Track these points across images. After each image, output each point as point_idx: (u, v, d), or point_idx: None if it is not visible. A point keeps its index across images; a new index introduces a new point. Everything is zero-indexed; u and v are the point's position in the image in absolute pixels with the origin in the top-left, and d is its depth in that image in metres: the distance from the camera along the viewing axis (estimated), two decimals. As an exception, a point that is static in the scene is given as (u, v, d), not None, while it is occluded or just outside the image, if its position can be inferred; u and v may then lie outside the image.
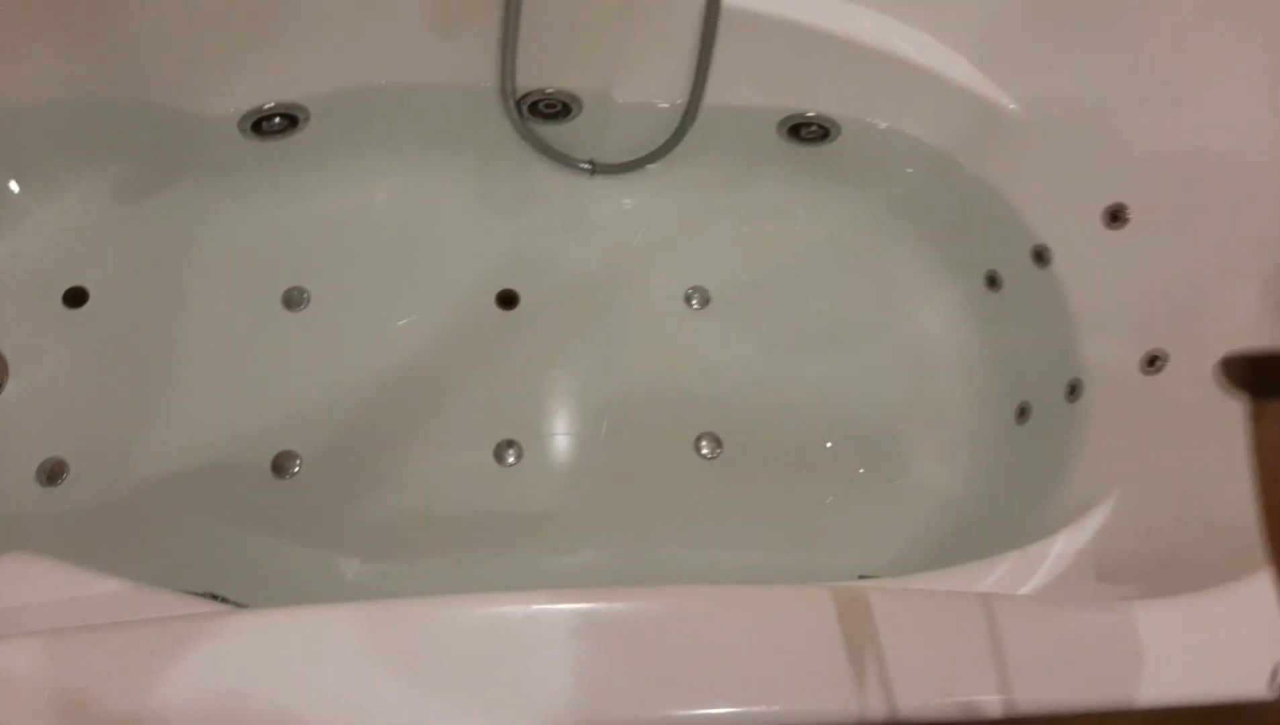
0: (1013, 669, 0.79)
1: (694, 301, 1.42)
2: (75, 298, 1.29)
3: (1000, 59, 1.31)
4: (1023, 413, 1.31)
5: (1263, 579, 0.86)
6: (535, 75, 1.34)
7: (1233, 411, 1.06)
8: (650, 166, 1.43)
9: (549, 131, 1.41)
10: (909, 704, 0.76)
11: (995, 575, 0.99)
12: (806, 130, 1.42)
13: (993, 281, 1.39)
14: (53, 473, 1.21)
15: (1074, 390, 1.25)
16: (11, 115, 1.22)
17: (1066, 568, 1.02)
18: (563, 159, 1.42)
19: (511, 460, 1.29)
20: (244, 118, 1.30)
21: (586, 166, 1.43)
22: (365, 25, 1.25)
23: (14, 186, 1.28)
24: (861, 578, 1.16)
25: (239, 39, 1.23)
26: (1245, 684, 0.82)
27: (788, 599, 0.80)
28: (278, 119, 1.32)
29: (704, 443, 1.32)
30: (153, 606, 0.76)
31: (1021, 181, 1.35)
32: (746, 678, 0.75)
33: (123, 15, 1.19)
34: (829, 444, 1.35)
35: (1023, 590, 0.98)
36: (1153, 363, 1.18)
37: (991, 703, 0.77)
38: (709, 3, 1.22)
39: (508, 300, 1.39)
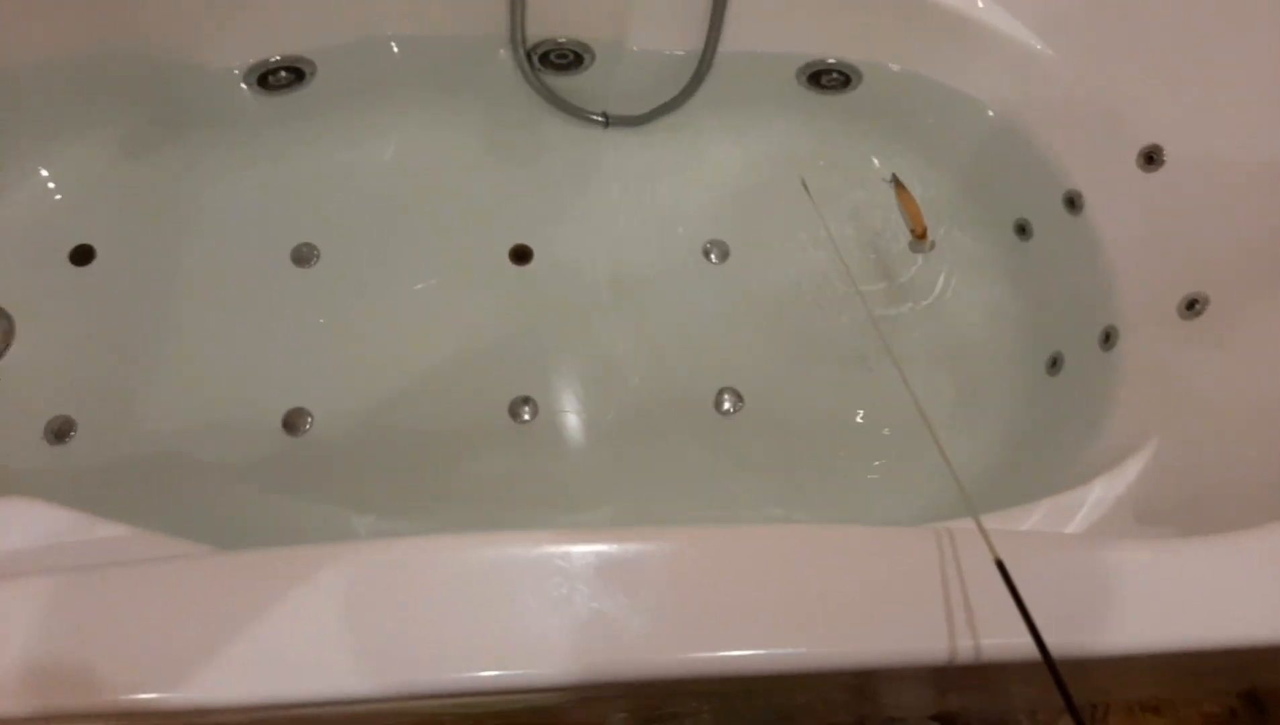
0: (1047, 609, 0.74)
1: (713, 255, 1.38)
2: (82, 256, 1.27)
3: (1035, 4, 1.26)
4: (1055, 363, 1.26)
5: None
6: (546, 24, 1.31)
7: (1275, 349, 1.01)
8: (665, 118, 1.39)
9: (560, 83, 1.37)
10: (927, 647, 0.72)
11: (1032, 520, 0.95)
12: (827, 77, 1.38)
13: (1022, 230, 1.35)
14: (60, 431, 1.19)
15: (1109, 338, 1.20)
16: (12, 73, 1.20)
17: (1105, 513, 0.97)
18: (575, 111, 1.38)
19: (527, 417, 1.26)
20: (249, 71, 1.27)
21: (599, 119, 1.39)
22: (371, -28, 1.22)
23: (18, 145, 1.25)
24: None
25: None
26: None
27: (809, 538, 0.76)
28: (283, 72, 1.29)
29: (725, 398, 1.29)
30: (152, 549, 0.73)
31: (1052, 126, 1.30)
32: (769, 620, 0.71)
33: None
34: (854, 393, 1.30)
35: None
36: (1192, 307, 1.13)
37: (1021, 645, 0.73)
38: (724, -61, 1.18)
39: (521, 255, 1.36)
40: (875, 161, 1.43)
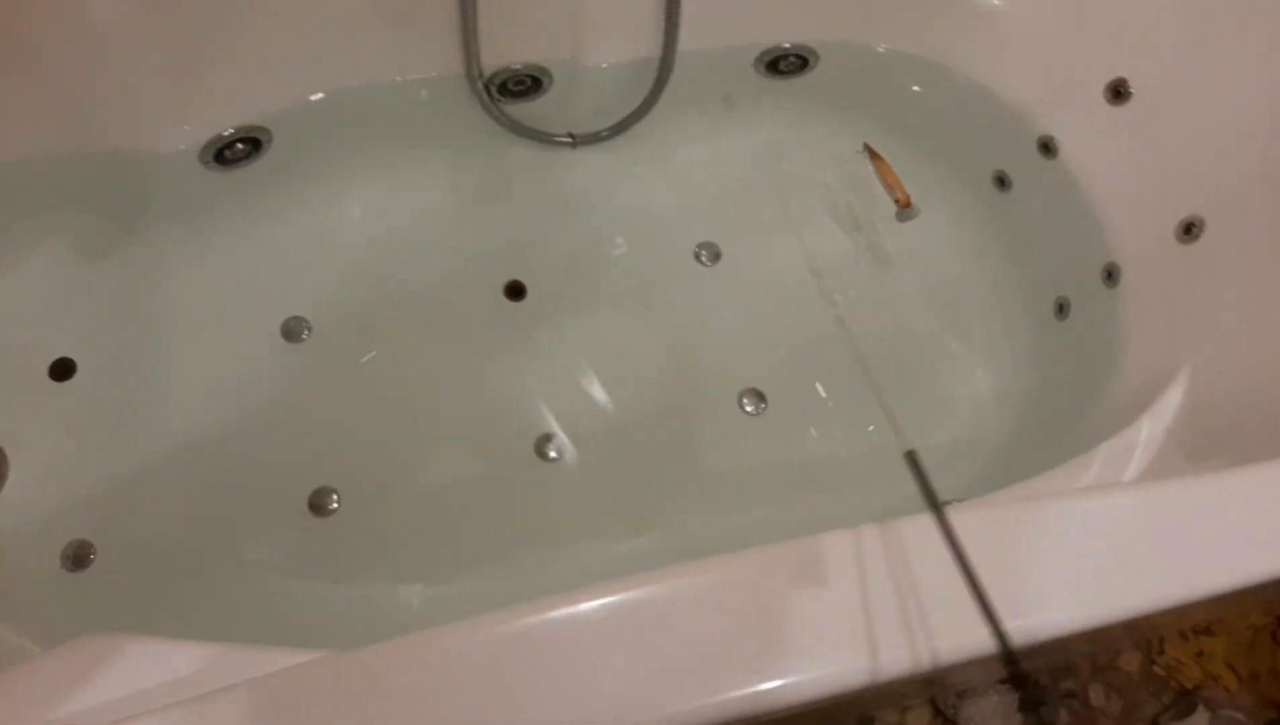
0: (1121, 565, 0.74)
1: (704, 257, 1.37)
2: (62, 370, 1.21)
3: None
4: (1062, 308, 1.28)
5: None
6: (499, 53, 1.28)
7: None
8: (632, 128, 1.37)
9: (522, 110, 1.35)
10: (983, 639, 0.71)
11: (1092, 471, 0.95)
12: (785, 62, 1.37)
13: (1002, 182, 1.36)
14: (77, 557, 1.13)
15: (1111, 275, 1.22)
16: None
17: (1158, 451, 0.99)
18: (541, 136, 1.36)
19: (554, 454, 1.23)
20: (204, 149, 1.22)
21: (567, 140, 1.37)
22: (313, 29, 1.18)
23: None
24: (945, 503, 1.12)
25: (183, 66, 1.15)
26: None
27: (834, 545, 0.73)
28: (239, 145, 1.24)
29: (746, 400, 1.28)
30: (249, 665, 0.69)
31: (1015, 77, 1.32)
32: (804, 641, 0.69)
33: (54, 65, 1.10)
34: (870, 376, 1.30)
35: (1124, 479, 0.95)
36: (1189, 231, 1.15)
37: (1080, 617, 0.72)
38: (675, -58, 1.16)
39: (516, 291, 1.33)
40: (844, 136, 1.43)
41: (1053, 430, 1.19)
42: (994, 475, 1.19)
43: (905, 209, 1.36)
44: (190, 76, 1.14)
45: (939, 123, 1.39)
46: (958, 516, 0.76)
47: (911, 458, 0.72)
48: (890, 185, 1.37)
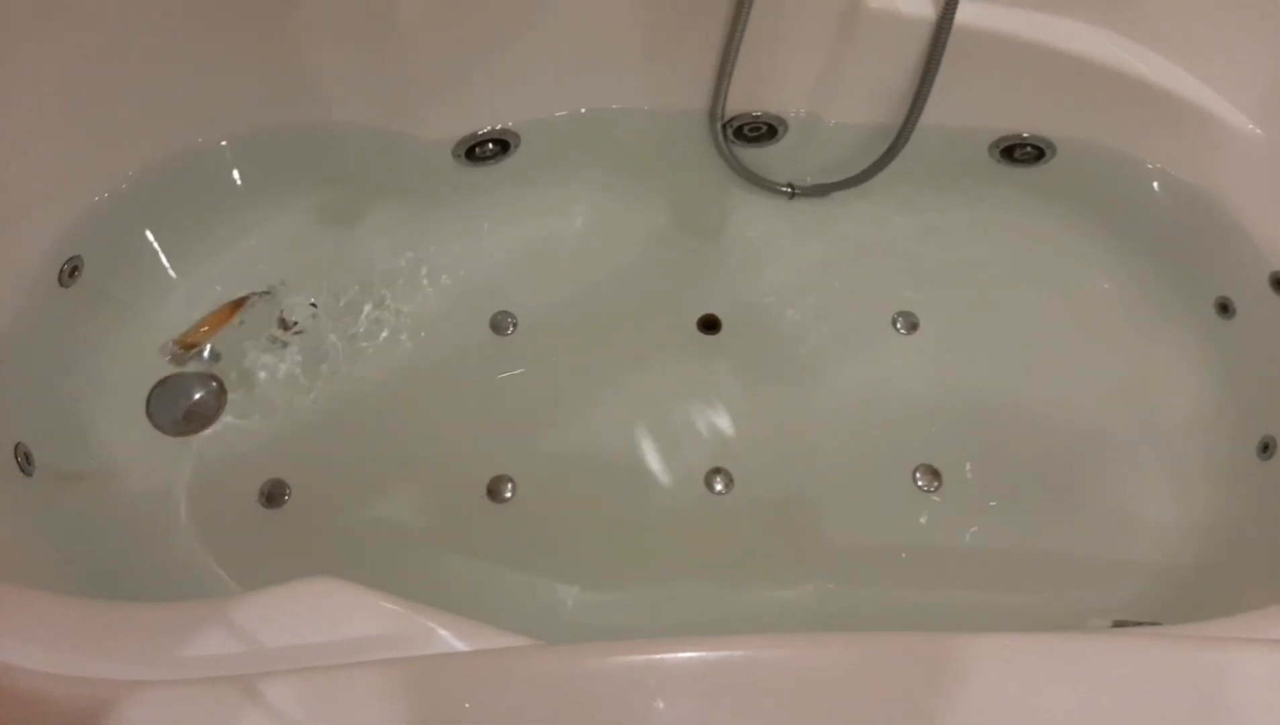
0: None
1: (899, 325, 1.38)
2: (287, 324, 1.31)
3: (1240, 81, 1.24)
4: (1266, 448, 1.24)
5: None
6: (745, 98, 1.33)
7: None
8: (851, 189, 1.40)
9: (750, 155, 1.39)
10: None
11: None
12: (1021, 151, 1.37)
13: (1224, 308, 1.32)
14: (273, 494, 1.22)
15: (1326, 424, 1.17)
16: (244, 137, 1.25)
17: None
18: (763, 182, 1.40)
19: (720, 488, 1.26)
20: (459, 143, 1.31)
21: (786, 190, 1.40)
22: (584, 50, 1.25)
23: (245, 193, 1.31)
24: (1117, 624, 1.10)
25: (463, 65, 1.24)
26: None
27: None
28: (490, 144, 1.32)
29: (920, 476, 1.28)
30: (475, 638, 0.74)
31: (1257, 204, 1.28)
32: None
33: (344, 45, 1.21)
34: (1052, 478, 1.29)
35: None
36: None
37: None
38: (942, 19, 1.18)
39: (710, 325, 1.37)
40: (1071, 231, 1.41)
41: (1237, 572, 1.15)
42: (1163, 604, 1.15)
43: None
44: (466, 76, 1.23)
45: (1167, 238, 1.36)
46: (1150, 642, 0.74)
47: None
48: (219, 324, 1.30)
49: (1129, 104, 1.28)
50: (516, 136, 1.32)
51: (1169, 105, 1.27)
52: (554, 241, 1.38)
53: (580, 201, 1.41)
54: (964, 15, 1.18)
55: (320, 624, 0.75)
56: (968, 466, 1.28)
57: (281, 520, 1.21)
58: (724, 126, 1.34)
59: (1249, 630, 0.88)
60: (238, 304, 1.30)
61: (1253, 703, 0.71)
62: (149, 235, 1.28)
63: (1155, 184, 1.34)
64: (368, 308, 1.33)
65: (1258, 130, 1.26)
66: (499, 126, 1.30)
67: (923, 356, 1.36)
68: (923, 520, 1.26)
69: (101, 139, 1.19)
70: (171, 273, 1.30)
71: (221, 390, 1.29)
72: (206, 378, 1.30)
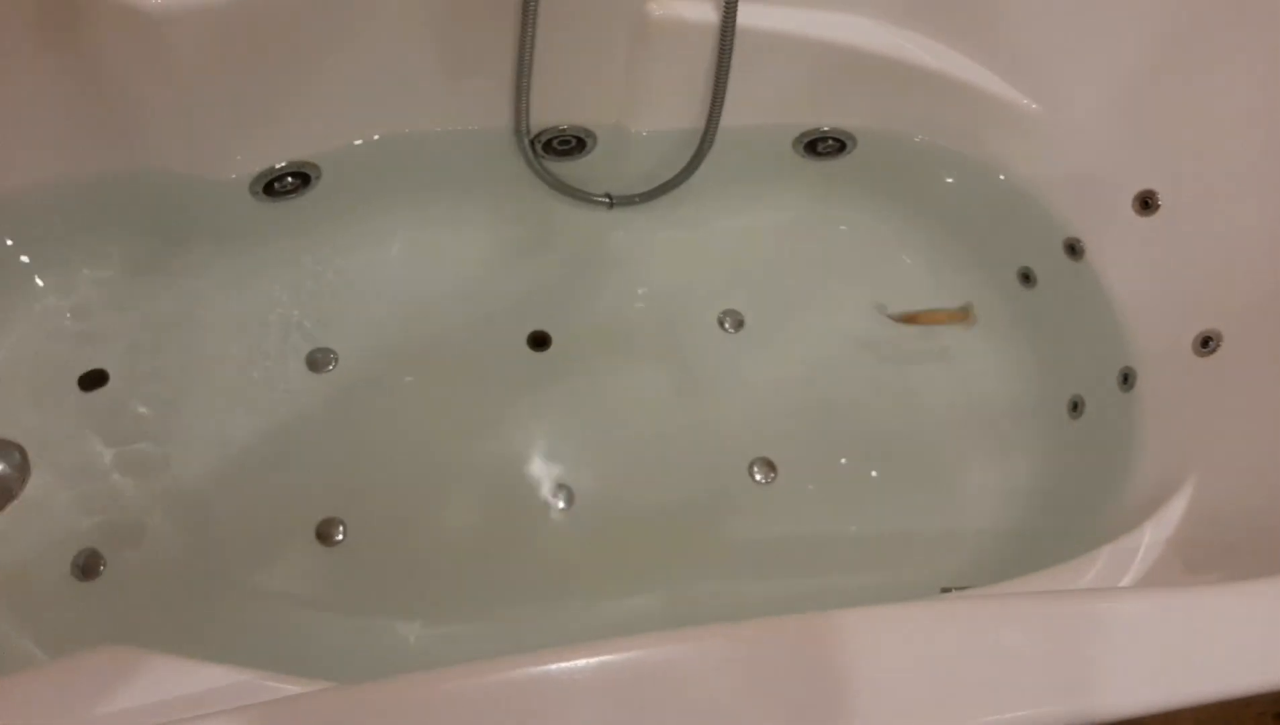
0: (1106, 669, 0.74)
1: (727, 324, 1.40)
2: (93, 380, 1.24)
3: (1017, 60, 1.31)
4: (1075, 407, 1.29)
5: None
6: (548, 113, 1.32)
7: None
8: (669, 194, 1.41)
9: (564, 168, 1.39)
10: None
11: (1092, 572, 0.96)
12: (823, 144, 1.41)
13: (1026, 278, 1.38)
14: (87, 566, 1.15)
15: (1127, 379, 1.23)
16: (16, 198, 1.18)
17: (1157, 559, 0.99)
18: (580, 195, 1.40)
19: (562, 504, 1.25)
20: (255, 180, 1.26)
21: (604, 200, 1.40)
22: (377, 76, 1.23)
23: (24, 262, 1.23)
24: (944, 590, 1.13)
25: (248, 99, 1.19)
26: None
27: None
28: (289, 178, 1.28)
29: (757, 469, 1.29)
30: (257, 691, 0.71)
31: (1047, 177, 1.35)
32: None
33: (123, 88, 1.16)
34: (880, 458, 1.32)
35: (1122, 584, 0.95)
36: (1206, 344, 1.17)
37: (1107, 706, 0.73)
38: (724, 23, 1.21)
39: (539, 341, 1.36)
40: (877, 220, 1.46)
41: (1056, 528, 1.20)
42: (991, 566, 1.19)
43: (972, 323, 1.37)
44: (253, 110, 1.19)
45: (967, 217, 1.42)
46: (953, 604, 0.76)
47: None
48: (943, 321, 1.38)
49: (916, 92, 1.33)
50: (316, 168, 1.28)
51: (952, 90, 1.32)
52: (371, 271, 1.35)
53: (396, 229, 1.38)
54: (746, 17, 1.21)
55: (107, 694, 0.70)
56: (801, 457, 1.30)
57: (98, 592, 1.14)
58: (532, 142, 1.34)
59: (1052, 583, 0.92)
60: None
61: (1056, 650, 0.73)
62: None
63: (950, 166, 1.39)
64: (176, 357, 1.28)
65: (1034, 105, 1.32)
66: (295, 159, 1.26)
67: (751, 353, 1.38)
68: (762, 513, 1.27)
69: None
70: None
71: (24, 461, 1.22)
72: (9, 447, 1.22)
